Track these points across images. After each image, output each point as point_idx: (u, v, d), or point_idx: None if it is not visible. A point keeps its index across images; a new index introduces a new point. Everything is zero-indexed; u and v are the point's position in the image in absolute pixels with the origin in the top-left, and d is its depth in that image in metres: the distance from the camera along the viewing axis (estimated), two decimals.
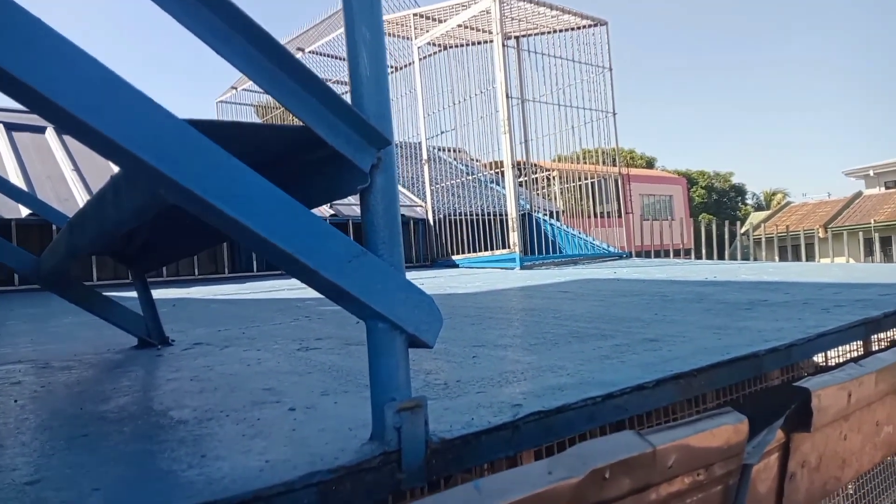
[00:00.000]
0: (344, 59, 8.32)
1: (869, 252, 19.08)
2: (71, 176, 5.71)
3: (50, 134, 6.38)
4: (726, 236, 8.36)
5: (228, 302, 3.40)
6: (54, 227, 4.35)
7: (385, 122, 0.85)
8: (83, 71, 0.60)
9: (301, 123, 0.81)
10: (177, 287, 4.30)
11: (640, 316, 2.19)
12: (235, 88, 9.17)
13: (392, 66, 7.40)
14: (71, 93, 0.59)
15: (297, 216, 0.74)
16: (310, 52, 7.91)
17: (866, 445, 1.50)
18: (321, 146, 0.81)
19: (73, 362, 1.70)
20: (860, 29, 78.42)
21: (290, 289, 3.94)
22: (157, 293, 1.99)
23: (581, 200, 6.68)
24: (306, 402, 1.14)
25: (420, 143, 6.78)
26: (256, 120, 9.91)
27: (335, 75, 8.18)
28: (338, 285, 0.76)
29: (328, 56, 7.98)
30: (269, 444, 0.89)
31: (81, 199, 5.26)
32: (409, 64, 6.95)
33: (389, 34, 6.99)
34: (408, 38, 6.68)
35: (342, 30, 7.57)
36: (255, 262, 5.64)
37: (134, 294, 1.89)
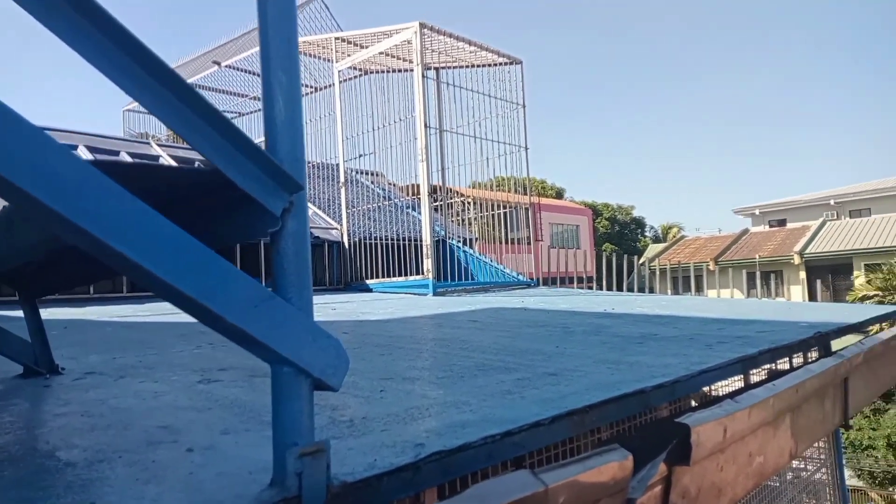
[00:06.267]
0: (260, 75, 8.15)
1: (752, 286, 20.79)
2: None
3: None
4: (625, 267, 8.83)
5: (126, 325, 3.21)
6: None
7: (298, 167, 0.86)
8: None
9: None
10: (69, 307, 4.00)
11: (543, 348, 2.28)
12: None
13: (311, 87, 7.35)
14: None
15: (202, 259, 0.74)
16: (226, 66, 7.71)
17: (740, 475, 1.64)
18: (232, 188, 0.81)
19: None
20: (751, 80, 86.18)
21: None
22: (46, 313, 1.87)
23: (494, 228, 6.87)
24: (205, 441, 1.11)
25: (338, 165, 6.74)
26: (164, 130, 9.49)
27: (252, 91, 8.01)
28: (243, 330, 0.76)
29: (246, 71, 7.81)
30: (163, 490, 0.86)
31: None
32: (329, 86, 6.93)
33: (310, 55, 6.94)
34: (328, 61, 6.67)
35: None
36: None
37: (21, 313, 1.76)
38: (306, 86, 7.45)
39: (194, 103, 0.74)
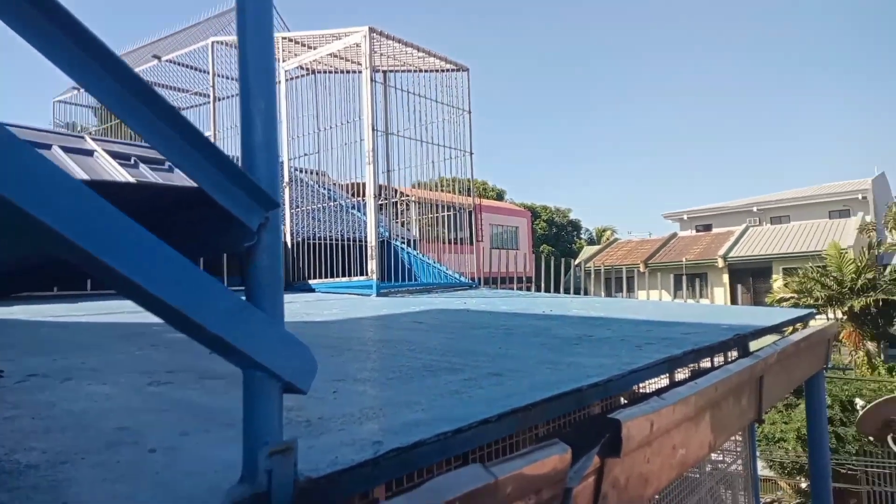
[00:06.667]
0: (203, 71, 8.01)
1: (679, 287, 21.82)
2: None
3: None
4: (562, 268, 9.12)
5: (61, 326, 3.12)
6: None
7: (274, 186, 0.93)
8: None
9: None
10: None
11: (486, 349, 2.39)
12: (78, 89, 8.37)
13: None
14: None
15: (186, 273, 0.79)
16: (167, 60, 7.47)
17: (664, 466, 1.79)
18: (212, 205, 0.87)
19: None
20: (680, 94, 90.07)
21: (132, 311, 3.67)
22: None
23: (437, 227, 6.98)
24: (166, 443, 1.14)
25: (282, 164, 6.67)
26: (94, 122, 9.10)
27: (193, 86, 7.80)
28: (223, 339, 0.82)
29: (186, 66, 7.60)
30: (135, 489, 0.90)
31: None
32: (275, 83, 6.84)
33: None
34: (275, 59, 6.59)
35: (205, 42, 7.31)
36: (88, 279, 5.13)
37: None
38: None
39: (184, 130, 0.79)
